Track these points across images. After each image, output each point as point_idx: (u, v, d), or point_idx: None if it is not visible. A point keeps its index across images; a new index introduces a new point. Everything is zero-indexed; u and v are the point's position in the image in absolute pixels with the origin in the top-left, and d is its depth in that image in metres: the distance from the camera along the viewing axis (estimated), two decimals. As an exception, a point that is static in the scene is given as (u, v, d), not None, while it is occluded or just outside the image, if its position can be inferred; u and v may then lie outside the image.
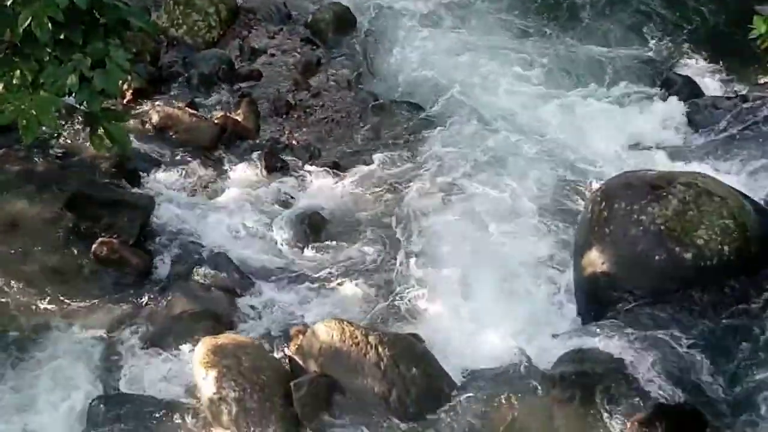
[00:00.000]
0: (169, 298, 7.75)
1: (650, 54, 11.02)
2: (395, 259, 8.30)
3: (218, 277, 7.95)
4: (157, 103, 10.06)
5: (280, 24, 12.00)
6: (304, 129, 10.14)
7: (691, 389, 6.64)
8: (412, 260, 8.26)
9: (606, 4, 11.94)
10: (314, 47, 11.57)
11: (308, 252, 8.47)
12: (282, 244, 8.53)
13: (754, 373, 6.77)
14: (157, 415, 6.67)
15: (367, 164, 9.51)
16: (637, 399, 6.48)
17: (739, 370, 6.82)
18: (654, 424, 6.29)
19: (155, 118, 9.70)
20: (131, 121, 9.38)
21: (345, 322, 6.80)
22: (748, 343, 6.97)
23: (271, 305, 7.82)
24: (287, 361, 7.01)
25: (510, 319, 7.50)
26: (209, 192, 9.11)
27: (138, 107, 10.01)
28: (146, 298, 7.79)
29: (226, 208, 8.85)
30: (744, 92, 9.96)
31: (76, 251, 8.10)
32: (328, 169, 9.44)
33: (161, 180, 9.11)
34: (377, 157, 9.62)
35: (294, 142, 9.91)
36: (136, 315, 7.64)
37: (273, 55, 11.41)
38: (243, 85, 10.74)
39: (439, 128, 9.91)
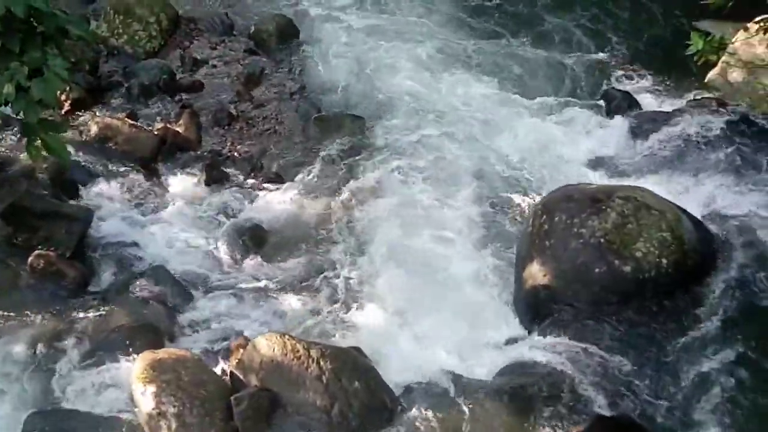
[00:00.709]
0: (107, 311, 7.62)
1: (590, 70, 11.14)
2: (337, 271, 8.27)
3: (157, 290, 7.85)
4: (96, 113, 9.94)
5: (222, 35, 11.91)
6: (246, 140, 10.07)
7: (629, 400, 6.74)
8: (354, 273, 8.24)
9: (547, 21, 12.05)
10: (257, 58, 11.50)
11: (249, 265, 8.40)
12: (222, 257, 8.46)
13: (689, 384, 6.88)
14: (94, 431, 6.55)
15: (309, 176, 9.48)
16: (577, 410, 6.55)
17: (675, 380, 6.94)
18: (594, 436, 6.36)
19: (94, 128, 9.57)
20: (69, 132, 9.21)
21: (286, 336, 6.75)
22: (684, 354, 7.08)
23: (211, 319, 7.74)
24: (228, 375, 6.92)
25: (452, 332, 7.52)
26: (149, 204, 8.99)
27: (77, 118, 9.87)
28: (84, 311, 7.64)
29: (166, 221, 8.75)
30: (682, 107, 10.10)
31: (11, 263, 7.95)
32: (269, 180, 9.40)
33: (100, 192, 8.97)
34: (319, 168, 9.59)
35: (236, 153, 9.84)
36: (73, 329, 7.48)
37: (215, 65, 11.33)
38: (184, 95, 10.64)
39: (380, 139, 9.92)
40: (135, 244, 8.40)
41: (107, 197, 8.92)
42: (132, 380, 6.62)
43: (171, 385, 6.48)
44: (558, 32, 11.87)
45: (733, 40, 9.25)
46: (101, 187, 9.02)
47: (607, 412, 6.59)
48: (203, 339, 7.54)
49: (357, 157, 9.70)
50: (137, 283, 7.91)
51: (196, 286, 8.07)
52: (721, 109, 9.76)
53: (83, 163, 9.19)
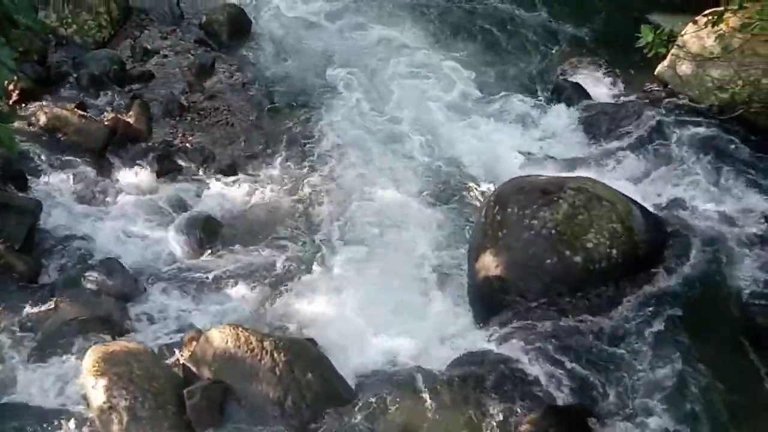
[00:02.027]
0: (57, 304, 7.50)
1: (540, 61, 11.22)
2: (290, 263, 8.25)
3: (109, 282, 7.76)
4: (45, 104, 9.78)
5: (173, 25, 11.82)
6: (198, 132, 10.00)
7: (581, 389, 6.82)
8: (307, 264, 8.23)
9: (497, 13, 12.10)
10: (208, 49, 11.43)
11: (202, 257, 8.35)
12: (175, 249, 8.39)
13: (639, 372, 6.97)
14: (44, 425, 6.45)
15: (262, 167, 9.45)
16: (528, 400, 6.62)
17: (624, 369, 7.01)
18: (544, 425, 6.41)
19: (43, 119, 9.43)
20: (18, 122, 9.06)
21: (239, 328, 6.73)
22: (635, 343, 7.17)
23: (163, 311, 7.67)
24: (180, 368, 6.87)
25: (405, 323, 7.55)
26: (99, 196, 8.89)
27: (25, 108, 9.71)
28: (33, 304, 7.51)
29: (117, 213, 8.66)
30: (632, 98, 10.21)
31: (-42, 257, 7.84)
32: (222, 172, 9.34)
33: (50, 183, 8.86)
34: (272, 160, 9.57)
35: (187, 144, 9.76)
36: (23, 322, 7.36)
37: (166, 56, 11.24)
38: (135, 86, 10.54)
39: (333, 131, 9.92)
40: (85, 237, 8.30)
41: (57, 189, 8.80)
42: (83, 373, 6.56)
43: (122, 378, 6.43)
44: (508, 24, 11.92)
45: (683, 33, 9.39)
46: (50, 178, 8.90)
47: (558, 401, 6.66)
48: (156, 332, 7.47)
49: (309, 149, 9.70)
50: (88, 275, 7.81)
51: (148, 279, 7.99)
52: (670, 100, 9.89)
53: (32, 155, 9.05)
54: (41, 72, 10.36)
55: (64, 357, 7.03)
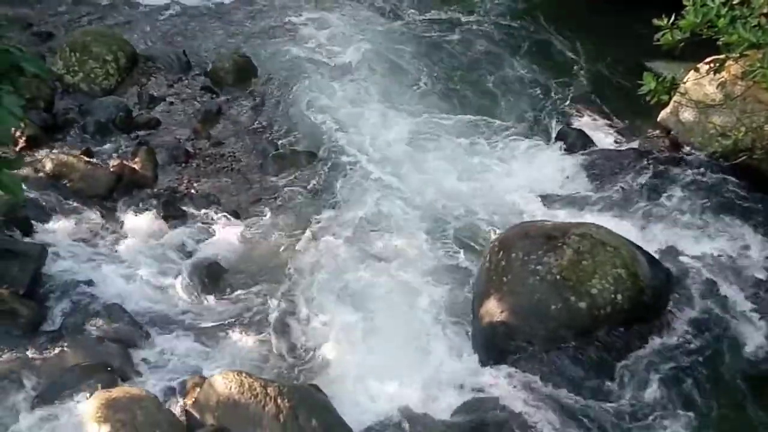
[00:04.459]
0: (60, 350, 7.48)
1: (545, 108, 11.28)
2: (294, 309, 8.22)
3: (112, 328, 7.75)
4: (51, 150, 9.85)
5: (179, 72, 11.93)
6: (203, 178, 10.04)
7: (587, 437, 6.77)
8: (311, 310, 8.19)
9: (502, 60, 12.20)
10: (214, 96, 11.52)
11: (206, 302, 8.33)
12: (179, 295, 8.37)
13: (645, 421, 6.93)
14: (47, 472, 6.44)
15: (267, 213, 9.46)
16: (535, 447, 6.58)
17: (630, 416, 6.98)
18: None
19: (49, 165, 9.49)
20: (24, 169, 9.16)
21: (243, 374, 6.70)
22: (640, 390, 7.14)
23: (167, 357, 7.64)
24: (184, 414, 6.84)
25: (409, 369, 7.50)
26: (104, 241, 8.90)
27: (31, 155, 9.76)
28: (37, 350, 7.48)
29: (121, 258, 8.67)
30: (635, 145, 10.27)
31: (-37, 302, 7.83)
32: (227, 218, 9.36)
33: (55, 229, 8.87)
34: (276, 206, 9.59)
35: (193, 191, 9.80)
36: (26, 368, 7.31)
37: (172, 103, 11.33)
38: (141, 133, 10.61)
39: (337, 177, 9.95)
40: (90, 282, 8.29)
41: (62, 235, 8.81)
42: (86, 420, 6.52)
43: (126, 424, 6.37)
44: (513, 71, 12.02)
45: (685, 80, 9.43)
46: (56, 224, 8.92)
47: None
48: (159, 378, 7.43)
49: (314, 195, 9.73)
50: (92, 321, 7.79)
51: (152, 324, 7.97)
52: (673, 147, 9.96)
53: (37, 200, 9.09)
54: (48, 119, 10.45)
55: (68, 403, 6.96)
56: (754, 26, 6.64)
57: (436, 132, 10.71)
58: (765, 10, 6.77)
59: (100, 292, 8.25)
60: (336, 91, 11.53)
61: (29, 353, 7.47)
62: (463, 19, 13.10)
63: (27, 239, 8.58)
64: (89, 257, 8.63)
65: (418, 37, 12.76)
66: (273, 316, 8.16)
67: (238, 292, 8.47)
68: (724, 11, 6.71)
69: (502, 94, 11.54)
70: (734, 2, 6.79)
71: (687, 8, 6.82)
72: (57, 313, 8.03)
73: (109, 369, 7.31)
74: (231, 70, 11.74)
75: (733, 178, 9.31)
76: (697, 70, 9.21)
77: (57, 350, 7.51)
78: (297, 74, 11.93)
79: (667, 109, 10.08)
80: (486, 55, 12.39)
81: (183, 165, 10.21)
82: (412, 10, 13.46)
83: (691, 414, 7.02)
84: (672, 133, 10.19)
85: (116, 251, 8.78)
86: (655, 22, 6.91)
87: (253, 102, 11.44)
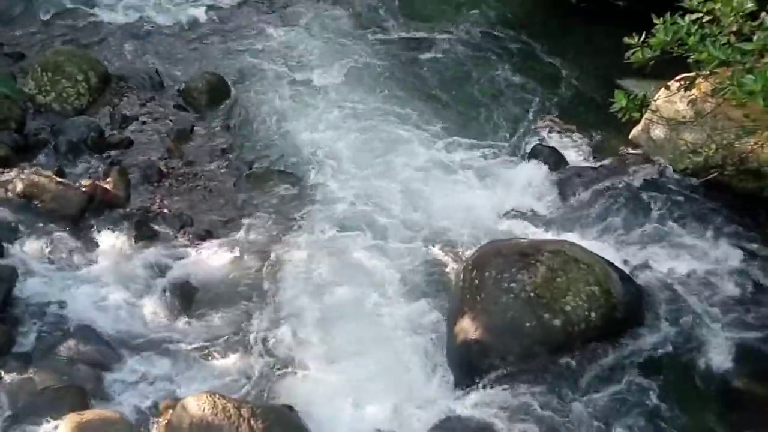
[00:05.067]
0: (31, 373, 7.41)
1: (519, 125, 11.29)
2: (268, 328, 8.19)
3: (84, 350, 7.69)
4: (22, 171, 9.76)
5: (152, 91, 11.87)
6: (176, 197, 9.99)
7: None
8: (285, 330, 8.16)
9: (474, 77, 12.24)
10: (187, 115, 11.47)
11: (179, 323, 8.28)
12: (152, 316, 8.32)
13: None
14: (16, 497, 6.36)
15: (240, 232, 9.42)
16: (510, 466, 6.57)
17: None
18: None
19: (20, 186, 9.41)
20: (-5, 190, 9.13)
21: (216, 395, 6.67)
22: (613, 407, 7.17)
23: (139, 379, 7.58)
24: (157, 436, 6.80)
25: (383, 389, 7.49)
26: (76, 262, 8.83)
27: (2, 175, 9.68)
28: (7, 373, 7.41)
29: (93, 279, 8.60)
30: (607, 162, 10.32)
31: (-70, 325, 7.74)
32: (200, 237, 9.31)
33: (25, 250, 8.80)
34: (250, 225, 9.54)
35: (165, 210, 9.75)
36: (-4, 391, 7.29)
37: (145, 122, 11.26)
38: (113, 152, 10.53)
39: (311, 195, 9.93)
40: (61, 303, 8.23)
41: (33, 256, 8.74)
42: (57, 443, 6.46)
43: (97, 447, 6.34)
44: (486, 89, 12.03)
45: (656, 97, 9.51)
46: (26, 245, 8.85)
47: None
48: (131, 400, 7.37)
49: (288, 214, 9.69)
50: (63, 343, 7.74)
51: (124, 346, 7.91)
52: (645, 164, 10.01)
53: (7, 221, 9.02)
54: (19, 140, 10.36)
55: (39, 426, 6.89)
56: (724, 44, 6.70)
57: (411, 150, 10.69)
58: (734, 29, 6.84)
59: (72, 313, 8.18)
60: (310, 110, 11.52)
61: (0, 376, 7.39)
62: (438, 37, 13.10)
63: (-3, 261, 8.51)
64: (61, 278, 8.57)
65: (393, 54, 12.77)
66: (247, 337, 8.12)
67: (212, 312, 8.42)
68: (694, 29, 6.77)
69: (475, 112, 11.55)
70: (704, 20, 6.85)
71: (657, 26, 6.88)
72: (28, 334, 7.95)
73: (80, 391, 7.25)
74: (204, 89, 11.69)
75: (704, 195, 9.38)
76: (667, 87, 9.29)
77: (28, 372, 7.45)
78: (271, 93, 11.90)
79: (639, 127, 10.15)
80: (460, 73, 12.41)
81: (156, 184, 10.15)
82: (388, 28, 13.46)
83: (662, 428, 7.05)
84: (643, 150, 10.26)
85: (88, 272, 8.71)
86: (626, 40, 6.96)
87: (227, 121, 11.40)
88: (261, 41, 13.05)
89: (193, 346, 8.03)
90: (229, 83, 11.96)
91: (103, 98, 11.53)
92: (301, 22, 13.56)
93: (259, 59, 12.58)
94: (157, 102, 11.68)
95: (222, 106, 11.63)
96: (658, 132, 9.95)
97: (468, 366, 7.62)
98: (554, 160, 10.33)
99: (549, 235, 9.05)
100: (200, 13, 13.72)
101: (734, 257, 8.69)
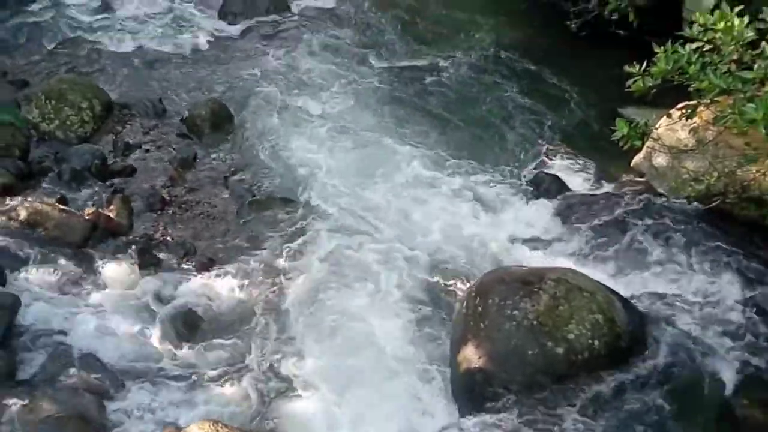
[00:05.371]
0: (34, 401, 7.38)
1: (521, 152, 11.32)
2: (271, 357, 8.19)
3: (87, 378, 7.69)
4: (26, 198, 9.78)
5: (155, 119, 11.92)
6: (179, 225, 10.01)
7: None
8: (288, 359, 8.17)
9: (476, 105, 12.28)
10: (190, 143, 11.51)
11: (182, 351, 8.28)
12: (155, 344, 8.32)
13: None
14: None
15: (243, 261, 9.42)
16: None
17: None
18: None
19: (23, 214, 9.42)
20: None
21: (219, 424, 6.67)
22: (618, 435, 7.15)
23: (142, 408, 7.57)
24: (159, 465, 6.78)
25: (387, 418, 7.47)
26: (79, 290, 8.83)
27: (6, 203, 9.69)
28: (9, 402, 7.38)
29: (96, 307, 8.60)
30: (609, 189, 10.34)
31: (-66, 352, 7.73)
32: (203, 265, 9.31)
33: (29, 278, 8.80)
34: (253, 253, 9.55)
35: (168, 238, 9.77)
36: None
37: (148, 150, 11.30)
38: (116, 180, 10.57)
39: (313, 222, 9.93)
40: (64, 332, 8.23)
41: (36, 284, 8.74)
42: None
43: (100, 477, 6.32)
44: (487, 116, 12.07)
45: (657, 125, 9.55)
46: (30, 273, 8.85)
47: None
48: (135, 428, 7.36)
49: (290, 241, 9.70)
50: (66, 372, 7.73)
51: (127, 375, 7.90)
52: (646, 192, 10.02)
53: (11, 249, 9.02)
54: (23, 167, 10.39)
55: (41, 456, 6.90)
56: (725, 72, 6.73)
57: (413, 175, 10.71)
58: (735, 57, 6.87)
59: (75, 341, 8.18)
60: (312, 135, 11.55)
61: (3, 404, 7.37)
62: (441, 63, 13.16)
63: (0, 289, 8.49)
64: (64, 306, 8.56)
65: (394, 79, 12.82)
66: (249, 365, 8.12)
67: (215, 340, 8.42)
68: (694, 58, 6.81)
69: (477, 138, 11.58)
70: (705, 49, 6.89)
71: (658, 55, 6.91)
72: (31, 363, 7.95)
73: (83, 420, 7.24)
74: (207, 116, 11.73)
75: (706, 223, 9.37)
76: (669, 115, 9.31)
77: (30, 401, 7.41)
78: (274, 119, 11.94)
79: (641, 154, 10.18)
80: (461, 98, 12.45)
81: (158, 212, 10.18)
82: (390, 53, 13.52)
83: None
84: (645, 177, 10.28)
85: (91, 300, 8.72)
86: (627, 69, 7.00)
87: (230, 148, 11.44)
88: (263, 67, 13.12)
89: (196, 374, 8.03)
90: (232, 110, 12.00)
91: (107, 126, 11.58)
92: (302, 47, 13.63)
93: (261, 85, 12.63)
94: (159, 129, 11.72)
95: (225, 133, 11.67)
96: (660, 159, 9.97)
97: (471, 394, 7.61)
98: (556, 187, 10.36)
99: (551, 263, 9.04)
100: (202, 40, 13.83)
101: (737, 284, 8.67)
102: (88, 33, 13.69)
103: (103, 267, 9.16)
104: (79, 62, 12.97)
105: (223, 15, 14.63)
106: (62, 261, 9.11)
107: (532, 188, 10.48)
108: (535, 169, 10.88)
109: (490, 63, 13.21)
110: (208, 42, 13.82)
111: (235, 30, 14.22)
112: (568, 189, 10.37)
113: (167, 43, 13.71)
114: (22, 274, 8.83)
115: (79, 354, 7.98)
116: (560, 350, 7.46)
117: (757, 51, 6.78)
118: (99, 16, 14.21)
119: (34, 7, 14.22)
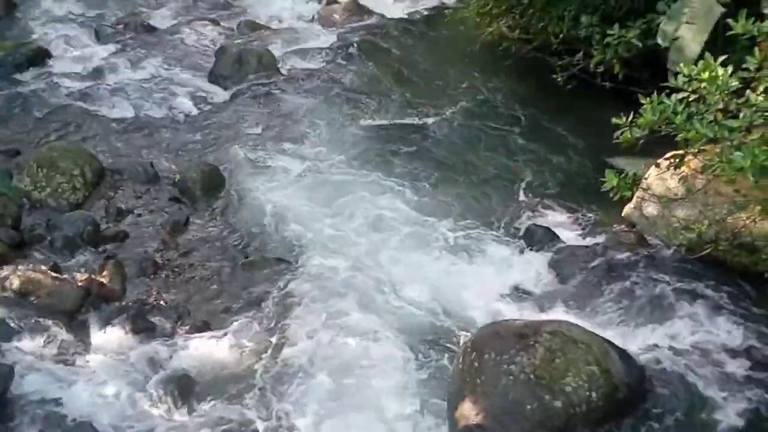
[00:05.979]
0: (28, 472, 7.35)
1: (512, 205, 11.37)
2: (267, 420, 8.11)
3: (82, 447, 7.62)
4: (18, 267, 9.76)
5: (147, 184, 11.94)
6: (173, 289, 9.99)
7: None
8: (285, 421, 8.10)
9: (465, 157, 12.36)
10: (182, 206, 11.53)
11: (178, 417, 8.18)
12: (150, 410, 8.22)
13: None
14: None
15: (238, 322, 9.37)
16: None
17: None
18: None
19: (16, 283, 9.40)
20: (-9, 289, 9.12)
21: (216, 490, 6.59)
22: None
23: (137, 475, 7.53)
24: None
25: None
26: (73, 358, 8.76)
27: (-2, 273, 9.70)
28: (3, 474, 7.37)
29: (90, 375, 8.52)
30: (601, 240, 10.37)
31: (-73, 426, 7.67)
32: (197, 329, 9.26)
33: (21, 347, 8.72)
34: (248, 315, 9.51)
35: (162, 302, 9.73)
36: (-7, 493, 7.20)
37: (140, 215, 11.32)
38: (109, 246, 10.55)
39: (306, 283, 9.90)
40: (59, 401, 8.13)
41: (29, 353, 8.67)
42: None
43: None
44: (478, 170, 12.14)
45: (646, 175, 9.62)
46: (23, 342, 8.78)
47: None
48: (129, 496, 7.30)
49: (284, 303, 9.66)
50: (60, 441, 7.67)
51: (121, 442, 7.86)
52: (638, 241, 10.05)
53: (3, 319, 8.98)
54: (15, 236, 10.38)
55: None
56: (711, 122, 6.82)
57: (405, 231, 10.74)
58: (720, 106, 6.95)
59: (70, 410, 8.08)
60: (305, 197, 11.58)
61: (-3, 476, 7.33)
62: (429, 121, 13.28)
63: (-7, 360, 8.46)
64: (58, 375, 8.48)
65: (384, 140, 12.87)
66: (245, 428, 8.04)
67: (211, 404, 8.33)
68: (680, 108, 6.90)
69: (468, 194, 11.62)
70: (690, 99, 6.97)
71: (644, 106, 7.00)
72: (24, 433, 7.88)
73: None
74: (198, 179, 11.77)
75: (699, 271, 9.39)
76: (658, 165, 9.40)
77: (24, 472, 7.36)
78: (266, 182, 11.98)
79: (631, 204, 10.23)
80: (451, 153, 12.53)
81: (152, 277, 10.16)
82: (377, 115, 13.61)
83: None
84: (637, 227, 10.32)
85: (85, 368, 8.65)
86: (614, 120, 7.07)
87: (222, 210, 11.46)
88: (253, 130, 13.20)
89: (192, 439, 7.96)
90: (224, 172, 12.05)
91: (99, 192, 11.60)
92: (291, 109, 13.72)
93: (252, 148, 12.69)
94: (151, 194, 11.75)
95: (217, 196, 11.70)
96: (651, 209, 10.02)
97: (470, 451, 7.54)
98: (548, 239, 10.39)
99: (546, 316, 9.03)
100: (191, 106, 13.93)
101: (732, 332, 8.67)
102: (79, 100, 13.77)
103: (96, 334, 9.11)
104: (70, 129, 13.04)
105: (212, 78, 14.77)
106: (55, 329, 9.06)
107: (524, 241, 10.50)
108: (526, 222, 10.92)
109: (476, 117, 13.34)
110: (198, 106, 13.92)
111: (224, 93, 14.34)
112: (561, 240, 10.40)
113: (158, 107, 13.80)
114: (15, 344, 8.76)
115: (74, 422, 7.89)
116: (558, 403, 7.41)
117: (742, 99, 6.87)
118: (89, 83, 14.32)
119: (25, 76, 14.36)
